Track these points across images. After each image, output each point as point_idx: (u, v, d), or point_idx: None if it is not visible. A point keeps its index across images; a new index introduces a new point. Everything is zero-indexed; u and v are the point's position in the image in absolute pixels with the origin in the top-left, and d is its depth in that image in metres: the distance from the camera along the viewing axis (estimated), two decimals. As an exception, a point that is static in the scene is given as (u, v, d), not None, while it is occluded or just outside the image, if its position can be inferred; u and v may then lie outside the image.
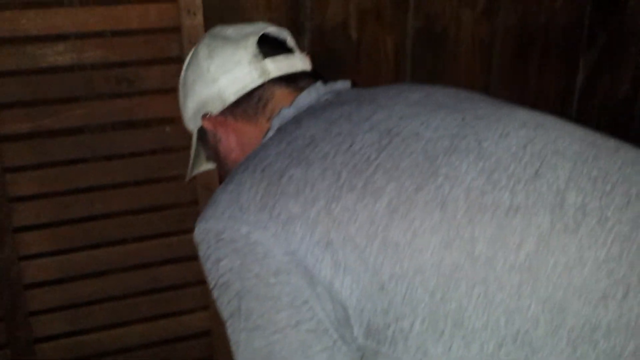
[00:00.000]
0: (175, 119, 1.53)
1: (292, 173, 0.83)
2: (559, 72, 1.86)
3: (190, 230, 1.56)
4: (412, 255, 0.76)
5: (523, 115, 0.90)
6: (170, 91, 1.50)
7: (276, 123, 1.00)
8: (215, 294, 0.86)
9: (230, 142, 1.10)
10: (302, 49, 1.58)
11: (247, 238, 0.81)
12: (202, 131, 1.15)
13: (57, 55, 1.41)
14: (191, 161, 1.24)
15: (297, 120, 0.96)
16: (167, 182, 1.58)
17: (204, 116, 1.11)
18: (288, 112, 1.00)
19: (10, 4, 1.35)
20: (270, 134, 0.99)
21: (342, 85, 1.08)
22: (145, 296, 1.63)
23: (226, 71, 1.08)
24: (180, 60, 1.47)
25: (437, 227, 0.76)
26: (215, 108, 1.10)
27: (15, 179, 1.46)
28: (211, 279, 0.86)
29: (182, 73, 1.18)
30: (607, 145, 0.85)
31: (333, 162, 0.83)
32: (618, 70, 1.92)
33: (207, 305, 1.67)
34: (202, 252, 0.86)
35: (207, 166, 1.33)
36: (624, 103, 1.96)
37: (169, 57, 1.48)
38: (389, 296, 0.77)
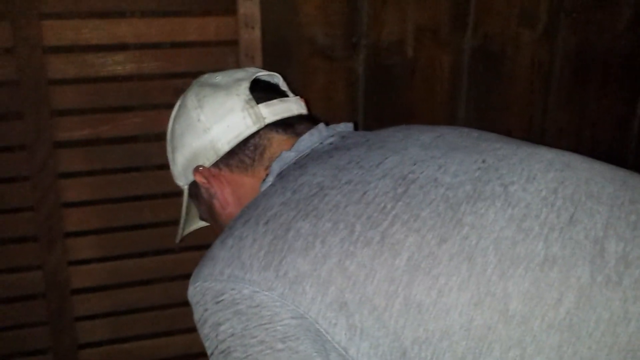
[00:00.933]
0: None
1: (299, 226, 0.76)
2: (619, 97, 1.82)
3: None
4: (438, 317, 0.69)
5: (547, 154, 0.83)
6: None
7: (276, 167, 0.92)
8: None
9: (225, 195, 1.01)
10: (356, 65, 1.58)
11: (251, 300, 0.74)
12: (193, 187, 1.06)
13: (117, 64, 1.42)
14: (182, 220, 1.15)
15: (300, 165, 0.89)
16: (217, 194, 1.57)
17: (196, 169, 1.02)
18: (289, 155, 0.92)
19: (73, 13, 1.37)
20: (270, 179, 0.92)
21: (345, 127, 1.01)
22: (188, 307, 1.62)
23: (218, 120, 1.00)
24: (236, 73, 1.48)
25: (466, 283, 0.69)
26: (208, 160, 1.01)
27: (68, 184, 1.47)
28: (209, 345, 0.76)
29: (170, 126, 1.10)
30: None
31: (345, 213, 0.76)
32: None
33: (250, 318, 1.66)
34: (198, 314, 0.79)
35: (199, 224, 1.25)
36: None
37: (225, 70, 1.48)
38: None
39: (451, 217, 0.73)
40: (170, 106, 1.46)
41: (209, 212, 1.07)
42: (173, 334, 1.65)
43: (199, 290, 0.79)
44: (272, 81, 1.11)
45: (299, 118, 1.02)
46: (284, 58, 1.54)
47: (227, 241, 0.79)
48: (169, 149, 1.10)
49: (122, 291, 1.58)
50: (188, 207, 1.12)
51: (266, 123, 0.99)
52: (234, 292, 0.75)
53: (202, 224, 1.21)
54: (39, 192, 1.45)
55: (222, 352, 0.74)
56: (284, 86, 1.12)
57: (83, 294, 1.56)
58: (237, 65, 1.47)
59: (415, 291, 0.70)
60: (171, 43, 1.44)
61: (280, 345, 0.71)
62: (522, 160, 0.81)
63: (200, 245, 1.58)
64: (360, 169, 0.81)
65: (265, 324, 0.73)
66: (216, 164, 1.01)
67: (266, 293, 0.74)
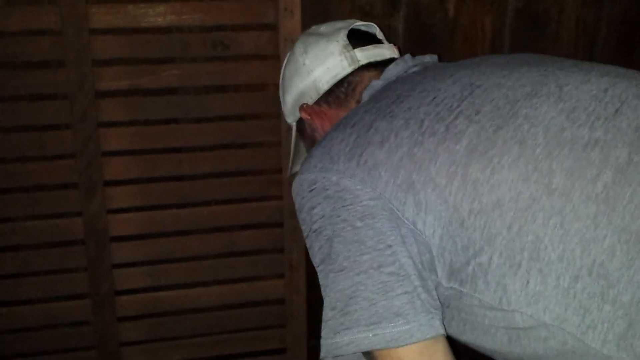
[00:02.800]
0: (266, 86, 1.54)
1: (378, 125, 0.88)
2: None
3: (272, 197, 1.61)
4: (491, 191, 0.78)
5: (606, 67, 0.91)
6: (263, 58, 1.52)
7: (367, 94, 1.04)
8: (308, 242, 0.90)
9: (325, 128, 1.13)
10: (397, 23, 1.57)
11: (337, 185, 0.86)
12: (300, 123, 1.20)
13: (157, 16, 1.44)
14: (291, 154, 1.28)
15: (386, 88, 1.00)
16: (253, 148, 1.59)
17: (301, 107, 1.15)
18: (378, 83, 1.04)
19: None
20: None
21: (430, 58, 1.11)
22: (223, 259, 1.66)
23: (320, 63, 1.13)
24: (275, 27, 1.49)
25: (515, 162, 0.78)
26: (311, 98, 1.14)
27: (108, 134, 1.50)
28: (305, 228, 0.90)
29: (282, 71, 1.23)
30: None
31: (417, 112, 0.86)
32: None
33: (283, 273, 1.69)
34: (297, 203, 0.91)
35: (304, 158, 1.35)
36: None
37: (264, 24, 1.49)
38: (468, 232, 0.79)
39: (508, 110, 0.82)
40: (209, 59, 1.49)
41: (311, 144, 1.19)
42: (208, 284, 1.68)
43: (298, 183, 0.92)
44: (369, 30, 1.23)
45: (390, 60, 1.12)
46: (324, 14, 1.54)
47: (321, 143, 0.93)
48: (280, 92, 1.24)
49: (159, 241, 1.61)
50: (297, 143, 1.27)
51: (360, 65, 1.12)
52: (324, 180, 0.88)
53: None
54: (79, 140, 1.48)
55: (315, 231, 0.88)
56: (380, 35, 1.23)
57: (121, 242, 1.59)
58: (276, 20, 1.48)
59: (471, 170, 0.79)
60: (212, -4, 1.45)
61: (359, 223, 0.83)
62: (582, 69, 0.88)
63: (235, 199, 1.61)
64: (434, 81, 0.92)
65: (348, 205, 0.85)
66: (317, 102, 1.14)
67: (349, 179, 0.85)
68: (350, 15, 1.55)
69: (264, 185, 1.62)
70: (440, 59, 1.14)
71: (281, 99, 1.24)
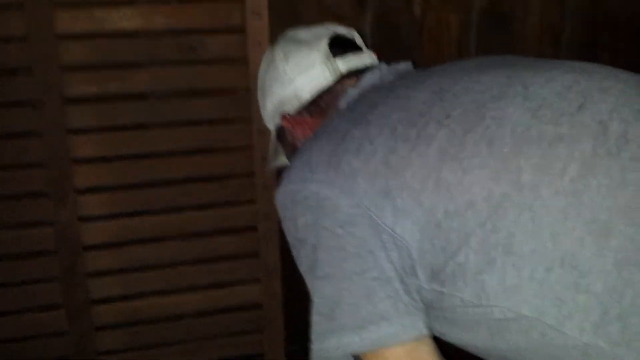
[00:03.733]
0: (236, 90, 1.54)
1: (353, 133, 0.90)
2: (632, 59, 1.80)
3: (245, 201, 1.60)
4: (464, 191, 0.80)
5: (571, 63, 0.93)
6: (232, 61, 1.52)
7: (343, 102, 1.06)
8: (294, 251, 0.93)
9: (306, 137, 1.13)
10: (364, 25, 1.58)
11: (318, 195, 0.89)
12: (280, 129, 1.21)
13: (124, 19, 1.43)
14: (270, 156, 1.30)
15: (361, 97, 1.03)
16: (225, 153, 1.59)
17: (282, 116, 1.17)
18: (353, 92, 1.06)
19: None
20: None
21: (405, 66, 1.13)
22: (199, 265, 1.65)
23: (301, 72, 1.14)
24: (243, 30, 1.49)
25: (485, 162, 0.80)
26: (292, 106, 1.16)
27: (78, 141, 1.49)
28: (290, 238, 0.93)
29: (260, 75, 1.24)
30: None
31: (390, 119, 0.89)
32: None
33: (259, 278, 1.68)
34: (281, 214, 0.94)
35: (283, 161, 1.36)
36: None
37: (232, 26, 1.49)
38: (445, 233, 0.81)
39: (477, 113, 0.85)
40: (178, 63, 1.49)
41: (291, 151, 1.20)
42: (184, 291, 1.66)
43: (281, 194, 0.94)
44: (349, 36, 1.24)
45: (370, 68, 1.14)
46: (292, 16, 1.55)
47: (300, 154, 0.96)
48: (259, 95, 1.26)
49: (134, 248, 1.60)
50: (275, 145, 1.28)
51: (341, 74, 1.13)
52: (305, 190, 0.90)
53: (286, 161, 1.34)
54: (49, 148, 1.46)
55: (300, 240, 0.91)
56: (359, 41, 1.24)
57: (94, 251, 1.58)
58: (244, 22, 1.48)
59: (444, 173, 0.82)
60: (178, -1, 1.45)
61: (340, 231, 0.86)
62: (547, 69, 0.91)
63: (209, 204, 1.61)
64: (406, 88, 0.95)
65: (329, 213, 0.87)
66: (299, 111, 1.16)
67: (329, 188, 0.88)
68: (320, 16, 1.56)
69: (237, 190, 1.61)
70: (415, 65, 1.16)
71: (260, 103, 1.25)
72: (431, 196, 0.82)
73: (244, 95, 1.54)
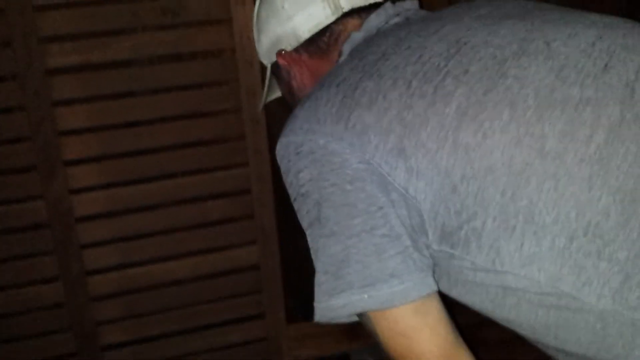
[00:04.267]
0: (222, 52, 1.51)
1: (365, 85, 0.85)
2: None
3: (238, 164, 1.58)
4: (483, 156, 0.77)
5: (592, 17, 0.89)
6: (215, 23, 1.48)
7: (347, 47, 1.00)
8: (296, 205, 0.88)
9: (304, 78, 1.10)
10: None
11: (325, 149, 0.84)
12: (275, 66, 1.15)
13: (103, -14, 1.39)
14: (264, 94, 1.24)
15: (367, 41, 0.96)
16: (214, 116, 1.56)
17: (279, 53, 1.10)
18: (358, 36, 1.00)
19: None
20: (343, 58, 1.00)
21: (411, 4, 1.06)
22: (194, 230, 1.64)
23: (300, 8, 1.06)
24: (226, -7, 1.45)
25: (507, 126, 0.77)
26: (290, 45, 1.09)
27: (64, 112, 1.47)
28: (292, 192, 0.88)
29: (256, 8, 1.16)
30: None
31: (404, 72, 0.84)
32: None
33: (255, 239, 1.68)
34: (283, 166, 0.90)
35: (277, 94, 1.31)
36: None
37: (215, -12, 1.45)
38: (461, 197, 0.78)
39: (497, 70, 0.80)
40: (160, 28, 1.45)
41: (288, 90, 1.16)
42: (180, 257, 1.66)
43: (283, 145, 0.89)
44: None
45: (375, 5, 1.07)
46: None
47: (305, 102, 0.90)
48: (254, 31, 1.17)
49: (127, 217, 1.59)
50: (270, 81, 1.21)
51: (344, 12, 1.05)
52: (311, 143, 0.85)
53: (279, 93, 1.29)
54: (34, 121, 1.44)
55: (302, 195, 0.86)
56: None
57: (88, 222, 1.57)
58: (227, -17, 1.44)
59: (462, 134, 0.78)
60: (157, -38, 1.41)
61: (349, 187, 0.82)
62: (568, 22, 0.86)
63: (200, 169, 1.59)
64: (419, 37, 0.88)
65: (336, 168, 0.83)
66: (297, 49, 1.08)
67: (337, 142, 0.83)
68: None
69: (229, 153, 1.59)
70: (421, 4, 1.09)
71: (255, 38, 1.18)
72: (448, 158, 0.78)
73: (230, 56, 1.51)
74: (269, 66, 1.17)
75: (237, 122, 1.56)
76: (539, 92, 0.78)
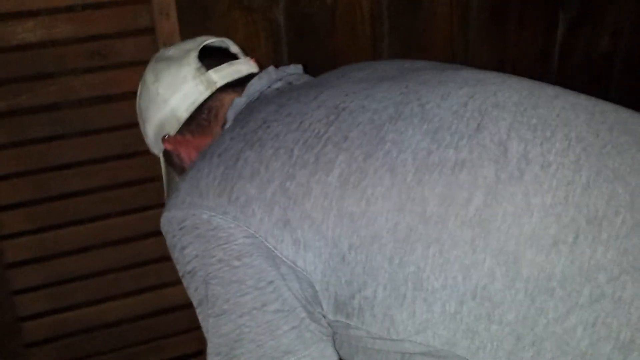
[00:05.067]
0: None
1: (246, 155, 0.84)
2: (538, 28, 1.84)
3: (170, 203, 1.58)
4: (368, 224, 0.76)
5: (464, 74, 0.90)
6: (143, 63, 1.46)
7: (231, 114, 1.00)
8: (184, 283, 0.85)
9: (192, 158, 1.09)
10: (276, 15, 1.57)
11: (209, 223, 0.82)
12: (166, 154, 1.15)
13: (27, 32, 1.39)
14: (165, 185, 1.24)
15: (249, 108, 0.96)
16: (144, 156, 1.55)
17: (163, 138, 1.11)
18: (240, 101, 1.00)
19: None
20: (228, 125, 0.99)
21: (294, 69, 1.08)
22: (127, 271, 1.63)
23: (174, 90, 1.08)
24: (152, 31, 1.46)
25: (389, 192, 0.77)
26: (172, 128, 1.10)
27: (-10, 158, 1.44)
28: (179, 268, 0.86)
29: (137, 102, 1.18)
30: (546, 93, 0.86)
31: (285, 140, 0.83)
32: (598, 25, 1.90)
33: (192, 276, 1.67)
34: (168, 241, 0.87)
35: None
36: (605, 58, 1.95)
37: (140, 29, 1.46)
38: (350, 267, 0.77)
39: (375, 135, 0.80)
40: (88, 71, 1.45)
41: (181, 174, 1.14)
42: (114, 298, 1.65)
43: (167, 220, 0.87)
44: (222, 46, 1.18)
45: (249, 77, 1.08)
46: (201, 13, 1.52)
47: (187, 174, 0.88)
48: (140, 123, 1.18)
49: (59, 261, 1.57)
50: (168, 172, 1.21)
51: (217, 87, 1.07)
52: (194, 218, 0.83)
53: None
54: (-40, 169, 1.42)
55: (189, 272, 0.83)
56: (234, 49, 1.18)
57: (19, 267, 1.54)
58: (152, 23, 1.45)
59: (346, 203, 0.77)
60: (82, 5, 1.41)
61: (236, 262, 0.80)
62: (441, 82, 0.87)
63: (133, 209, 1.58)
64: (299, 103, 0.89)
65: (222, 244, 0.81)
66: (180, 131, 1.09)
67: (221, 217, 0.81)
68: (229, 11, 1.54)
69: (160, 192, 1.59)
70: (305, 70, 1.11)
71: (142, 131, 1.18)
72: (334, 228, 0.77)
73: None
74: (161, 156, 1.18)
75: (168, 160, 1.57)
76: (416, 155, 0.78)
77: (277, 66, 1.07)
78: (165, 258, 1.63)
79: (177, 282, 1.63)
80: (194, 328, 1.71)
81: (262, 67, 1.13)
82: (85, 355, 1.65)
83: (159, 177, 1.57)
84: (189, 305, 1.65)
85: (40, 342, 1.61)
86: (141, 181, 1.58)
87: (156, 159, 1.54)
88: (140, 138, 1.51)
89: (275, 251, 0.80)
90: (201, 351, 1.74)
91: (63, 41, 1.42)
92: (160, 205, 1.57)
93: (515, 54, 1.85)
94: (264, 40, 1.59)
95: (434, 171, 0.77)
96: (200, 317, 0.84)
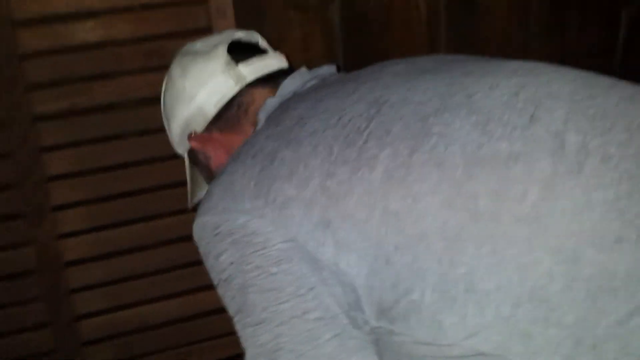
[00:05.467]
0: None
1: (283, 155, 0.80)
2: (601, 25, 1.80)
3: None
4: (415, 222, 0.72)
5: (513, 64, 0.85)
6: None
7: (263, 115, 0.96)
8: (220, 291, 0.81)
9: (220, 156, 1.05)
10: (332, 14, 1.56)
11: (245, 228, 0.78)
12: (192, 153, 1.11)
13: (87, 32, 1.40)
14: (189, 187, 1.20)
15: (282, 107, 0.92)
16: (202, 156, 1.56)
17: (189, 136, 1.07)
18: (273, 102, 0.96)
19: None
20: (259, 126, 0.95)
21: (328, 69, 1.04)
22: (184, 269, 1.63)
23: (202, 85, 1.04)
24: (209, 30, 1.46)
25: (436, 188, 0.72)
26: (199, 125, 1.06)
27: (51, 158, 1.46)
28: (213, 276, 0.82)
29: (162, 98, 1.14)
30: (601, 83, 0.81)
31: (323, 137, 0.79)
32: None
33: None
34: (201, 248, 0.83)
35: (205, 189, 1.24)
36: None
37: (197, 29, 1.46)
38: (395, 269, 0.72)
39: (420, 128, 0.76)
40: (144, 70, 1.46)
41: (208, 174, 1.11)
42: (171, 297, 1.65)
43: (200, 226, 0.83)
44: (251, 40, 1.13)
45: (279, 72, 1.05)
46: (257, 13, 1.52)
47: (221, 178, 0.84)
48: (164, 121, 1.14)
49: (115, 260, 1.58)
50: (193, 174, 1.17)
51: (247, 82, 1.03)
52: (229, 223, 0.79)
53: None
54: (21, 168, 1.43)
55: (225, 280, 0.79)
56: (263, 43, 1.14)
57: (76, 266, 1.55)
58: (209, 23, 1.45)
59: (391, 200, 0.73)
60: (141, 5, 1.42)
61: (274, 269, 0.75)
62: (488, 72, 0.82)
63: (188, 209, 1.59)
64: (336, 99, 0.84)
65: (259, 250, 0.76)
66: (207, 128, 1.05)
67: (258, 220, 0.77)
68: (284, 10, 1.53)
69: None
70: (339, 69, 1.07)
71: (166, 129, 1.14)
72: (378, 227, 0.72)
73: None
74: (186, 156, 1.14)
75: (224, 160, 1.57)
76: (465, 149, 0.73)
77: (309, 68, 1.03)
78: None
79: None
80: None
81: (291, 62, 1.10)
82: (141, 354, 1.66)
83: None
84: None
85: (96, 341, 1.62)
86: (197, 181, 1.58)
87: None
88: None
89: (316, 254, 0.75)
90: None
91: (121, 41, 1.44)
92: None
93: (576, 53, 1.80)
94: (319, 40, 1.58)
95: (486, 165, 0.72)
96: (237, 327, 0.79)
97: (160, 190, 1.56)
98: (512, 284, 0.69)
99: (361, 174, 0.74)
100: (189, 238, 1.57)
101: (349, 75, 0.95)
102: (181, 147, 1.12)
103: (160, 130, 1.49)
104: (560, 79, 0.80)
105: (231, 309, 0.80)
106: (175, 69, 1.09)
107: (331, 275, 0.75)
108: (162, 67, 1.44)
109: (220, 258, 0.79)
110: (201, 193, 1.24)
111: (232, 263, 0.78)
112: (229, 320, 1.65)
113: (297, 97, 0.94)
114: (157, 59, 1.45)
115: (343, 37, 1.60)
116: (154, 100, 1.47)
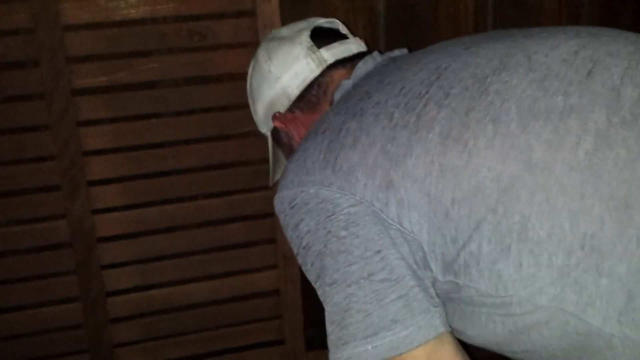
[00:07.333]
0: (247, 75, 1.51)
1: (348, 126, 0.85)
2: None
3: (260, 188, 1.57)
4: (470, 176, 0.75)
5: (575, 28, 0.88)
6: (242, 46, 1.48)
7: (338, 95, 1.01)
8: (300, 259, 0.87)
9: (301, 135, 1.11)
10: (377, 3, 1.54)
11: (317, 197, 0.84)
12: (275, 132, 1.17)
13: (130, 8, 1.40)
14: (271, 165, 1.26)
15: (355, 86, 0.98)
16: (238, 139, 1.56)
17: (274, 116, 1.13)
18: (347, 83, 1.01)
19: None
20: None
21: (399, 52, 1.08)
22: (214, 253, 1.63)
23: (286, 68, 1.11)
24: (252, 13, 1.45)
25: (491, 142, 0.75)
26: (283, 106, 1.12)
27: (89, 132, 1.47)
28: (294, 245, 0.88)
29: (248, 81, 1.21)
30: None
31: (385, 106, 0.84)
32: None
33: (276, 264, 1.66)
34: (282, 221, 0.89)
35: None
36: None
37: (241, 11, 1.46)
38: (454, 222, 0.76)
39: (478, 88, 0.79)
40: (187, 50, 1.46)
41: (289, 152, 1.16)
42: (200, 280, 1.65)
43: (278, 201, 0.89)
44: (332, 26, 1.21)
45: (359, 55, 1.11)
46: (303, -2, 1.51)
47: (295, 155, 0.91)
48: (250, 102, 1.21)
49: (148, 239, 1.58)
50: (275, 152, 1.24)
51: (328, 64, 1.09)
52: (303, 194, 0.85)
53: None
54: (59, 141, 1.44)
55: (304, 247, 0.85)
56: (344, 30, 1.21)
57: (109, 242, 1.56)
58: (253, 5, 1.44)
59: (448, 157, 0.77)
60: (185, -17, 1.41)
61: (343, 233, 0.81)
62: (550, 34, 0.85)
63: (223, 192, 1.58)
64: (400, 71, 0.89)
65: (330, 215, 0.82)
66: (290, 109, 1.11)
67: (327, 188, 0.83)
68: (329, -2, 1.52)
69: (251, 176, 1.59)
70: (410, 51, 1.09)
71: (252, 110, 1.21)
72: (437, 183, 0.77)
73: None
74: (269, 135, 1.20)
75: (261, 145, 1.54)
76: (521, 104, 0.76)
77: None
78: (250, 244, 1.64)
79: (262, 268, 1.64)
80: (276, 316, 1.71)
81: (370, 47, 1.14)
82: (167, 334, 1.66)
83: (251, 162, 1.58)
84: (272, 293, 1.66)
85: (125, 318, 1.63)
86: (233, 164, 1.58)
87: (250, 143, 1.54)
88: (235, 121, 1.53)
89: (382, 214, 0.80)
90: (282, 340, 1.72)
91: (164, 19, 1.44)
92: (253, 190, 1.58)
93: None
94: (362, 28, 1.57)
95: (540, 118, 0.74)
96: (318, 291, 0.85)
97: (195, 172, 1.56)
98: (565, 231, 0.71)
99: (419, 135, 0.79)
100: (223, 221, 1.59)
101: (418, 51, 0.98)
102: (265, 127, 1.19)
103: (198, 111, 1.51)
104: (622, 40, 0.82)
105: (312, 275, 0.86)
106: (262, 53, 1.15)
107: (397, 234, 0.80)
108: (203, 48, 1.45)
109: (298, 227, 0.85)
110: (279, 173, 1.31)
111: (308, 231, 0.84)
112: (254, 308, 1.66)
113: (366, 76, 0.99)
114: (198, 39, 1.45)
115: (387, 28, 1.58)
116: (194, 80, 1.49)
